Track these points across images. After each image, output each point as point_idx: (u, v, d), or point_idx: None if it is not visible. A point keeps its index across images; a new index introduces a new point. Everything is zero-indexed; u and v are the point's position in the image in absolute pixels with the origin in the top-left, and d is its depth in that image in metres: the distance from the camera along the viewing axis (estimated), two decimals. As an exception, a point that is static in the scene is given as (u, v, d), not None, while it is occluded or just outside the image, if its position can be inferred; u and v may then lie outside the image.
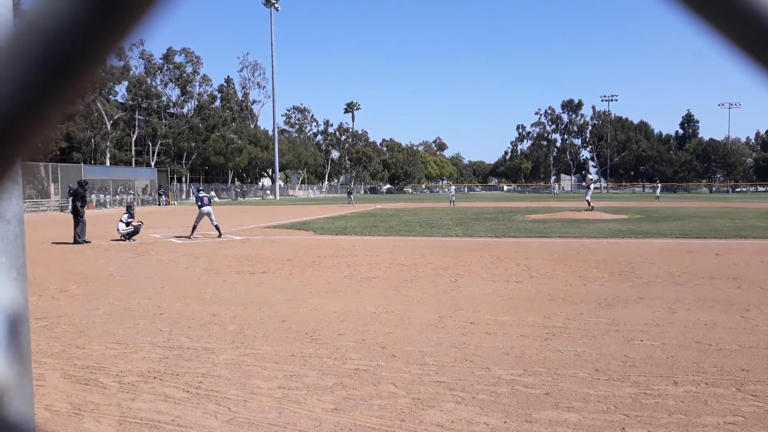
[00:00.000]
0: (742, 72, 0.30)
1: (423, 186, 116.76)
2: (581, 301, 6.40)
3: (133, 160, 55.82)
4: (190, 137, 60.02)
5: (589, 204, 25.60)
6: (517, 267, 9.07)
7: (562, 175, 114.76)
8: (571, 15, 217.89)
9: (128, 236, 14.30)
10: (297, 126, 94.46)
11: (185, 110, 61.82)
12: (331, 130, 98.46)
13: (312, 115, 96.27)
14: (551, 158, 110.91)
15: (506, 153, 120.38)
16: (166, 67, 59.05)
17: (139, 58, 56.37)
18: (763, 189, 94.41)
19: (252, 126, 75.18)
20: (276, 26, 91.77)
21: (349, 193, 43.74)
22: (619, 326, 5.28)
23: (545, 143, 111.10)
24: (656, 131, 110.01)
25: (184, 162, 60.85)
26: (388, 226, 18.07)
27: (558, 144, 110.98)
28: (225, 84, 69.70)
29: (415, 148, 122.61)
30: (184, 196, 56.27)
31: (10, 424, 0.42)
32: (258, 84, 79.21)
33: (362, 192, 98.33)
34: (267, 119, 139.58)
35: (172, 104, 60.44)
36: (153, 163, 55.86)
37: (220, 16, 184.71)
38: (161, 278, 8.49)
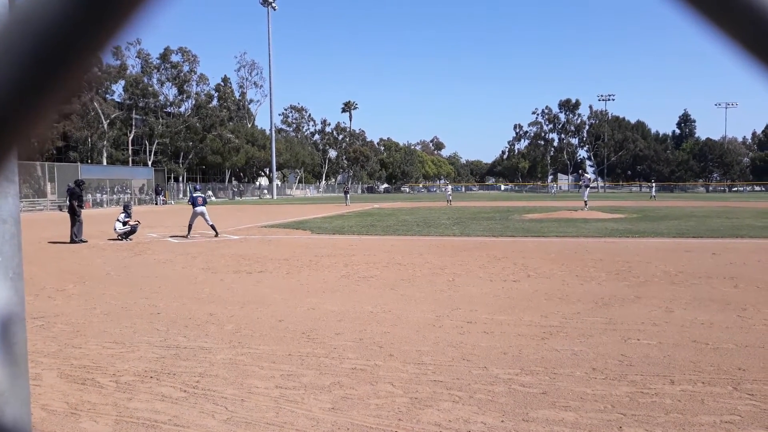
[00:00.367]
0: (742, 70, 0.30)
1: (420, 185, 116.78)
2: (578, 301, 6.40)
3: (130, 159, 55.65)
4: (187, 136, 59.92)
5: (585, 204, 25.69)
6: (514, 266, 9.08)
7: (559, 174, 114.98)
8: (569, 15, 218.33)
9: (125, 236, 14.27)
10: (294, 125, 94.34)
11: (182, 109, 61.69)
12: (328, 129, 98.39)
13: (309, 115, 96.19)
14: (548, 158, 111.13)
15: (503, 152, 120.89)
16: (163, 67, 58.86)
17: (136, 57, 56.25)
18: (760, 188, 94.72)
19: (249, 125, 75.09)
20: (273, 25, 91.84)
21: (346, 193, 43.74)
22: (616, 325, 5.28)
23: (542, 143, 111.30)
24: (653, 131, 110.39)
25: (181, 161, 60.73)
26: (386, 226, 18.07)
27: (555, 143, 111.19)
28: (222, 83, 69.51)
29: (412, 147, 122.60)
30: (181, 196, 56.13)
31: (6, 425, 0.42)
32: (255, 83, 79.34)
33: (359, 191, 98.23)
34: (264, 118, 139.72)
35: (169, 103, 60.30)
36: (150, 163, 55.69)
37: (218, 16, 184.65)
38: (158, 278, 8.47)
